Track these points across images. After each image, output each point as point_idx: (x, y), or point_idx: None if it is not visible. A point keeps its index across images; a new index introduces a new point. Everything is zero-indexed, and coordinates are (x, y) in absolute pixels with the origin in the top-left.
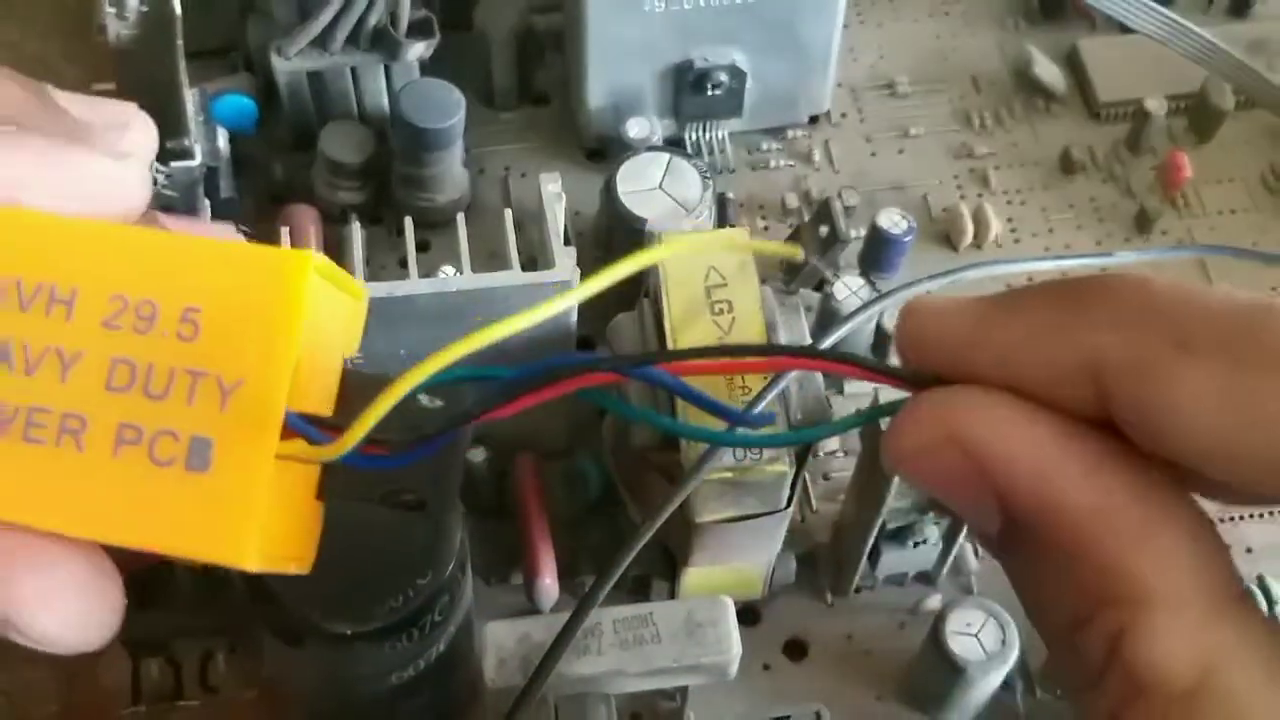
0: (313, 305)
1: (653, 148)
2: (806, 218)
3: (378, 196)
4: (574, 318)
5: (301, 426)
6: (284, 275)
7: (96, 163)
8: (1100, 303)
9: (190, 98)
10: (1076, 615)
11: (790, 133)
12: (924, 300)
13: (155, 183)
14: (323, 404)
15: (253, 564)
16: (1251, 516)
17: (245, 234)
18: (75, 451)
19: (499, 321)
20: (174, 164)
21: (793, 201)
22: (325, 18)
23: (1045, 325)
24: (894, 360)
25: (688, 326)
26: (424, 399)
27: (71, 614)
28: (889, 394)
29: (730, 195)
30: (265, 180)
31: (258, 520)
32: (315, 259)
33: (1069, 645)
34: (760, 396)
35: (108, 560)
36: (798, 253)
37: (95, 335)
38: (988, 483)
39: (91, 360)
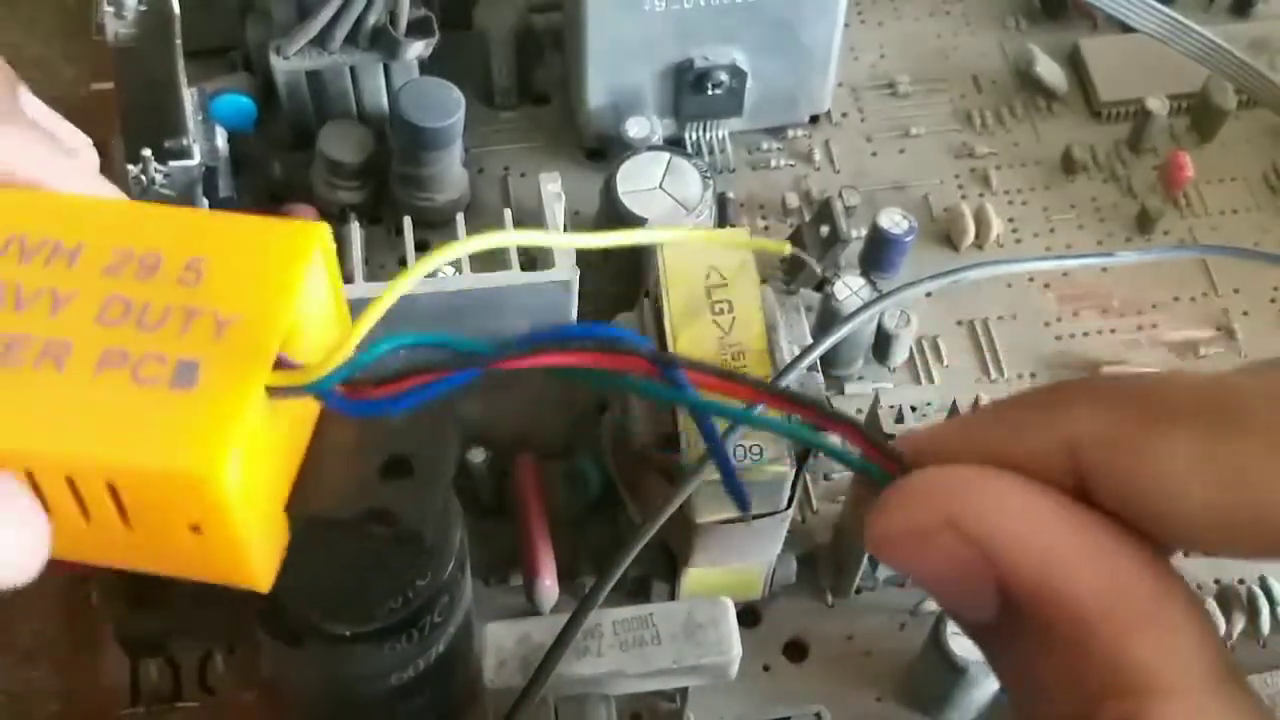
0: (314, 273)
1: (653, 147)
2: (807, 217)
3: (377, 196)
4: (574, 316)
5: (291, 363)
6: (292, 240)
7: (85, 184)
8: (1077, 393)
9: (189, 97)
10: (1079, 708)
11: (791, 132)
12: (913, 436)
13: (154, 182)
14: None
15: (220, 481)
16: None
17: None
18: (54, 372)
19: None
20: (172, 163)
21: (793, 201)
22: (324, 17)
23: (1025, 420)
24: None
25: (688, 326)
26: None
27: (12, 543)
28: (891, 395)
29: (730, 195)
30: (264, 180)
31: (237, 434)
32: (325, 233)
33: None
34: None
35: (30, 496)
36: (784, 248)
37: (93, 279)
38: (988, 569)
39: (85, 298)
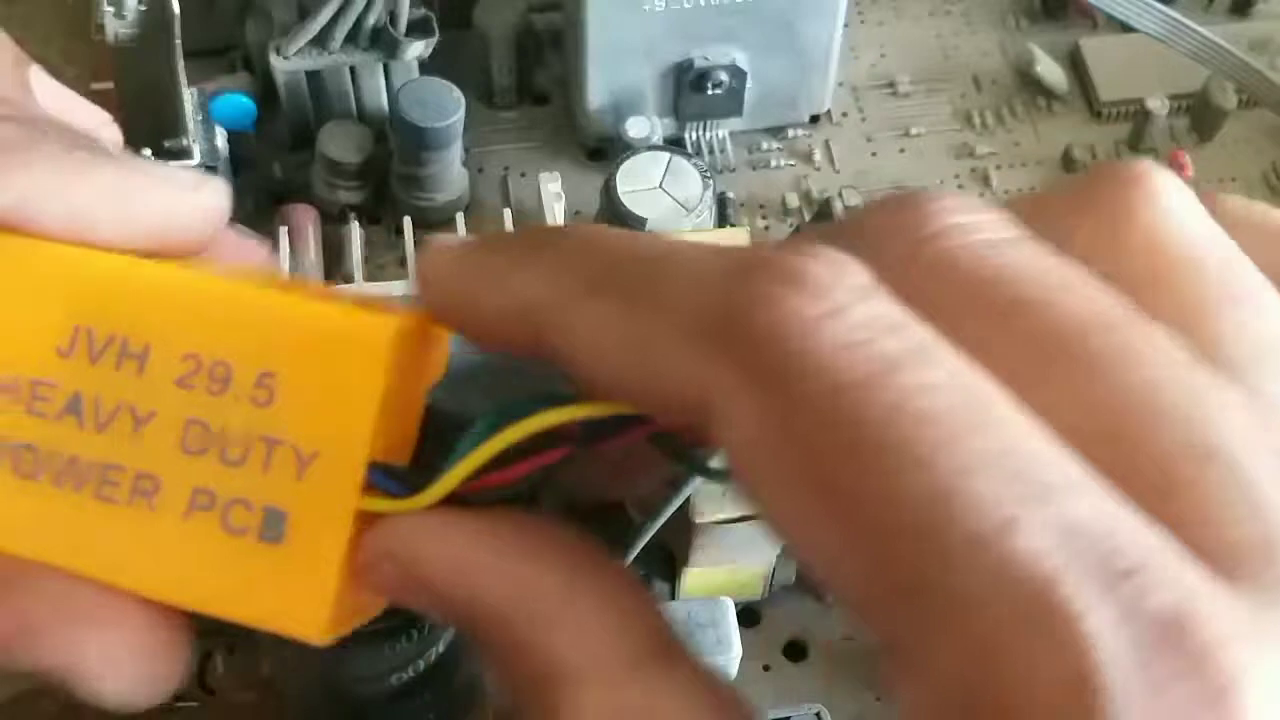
0: (394, 368)
1: (653, 147)
2: (807, 217)
3: (377, 196)
4: None
5: (382, 482)
6: (360, 348)
7: (175, 195)
8: (541, 248)
9: (189, 97)
10: (521, 698)
11: (791, 132)
12: (436, 237)
13: None
14: (403, 448)
15: (322, 640)
16: None
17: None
18: (148, 512)
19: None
20: (172, 163)
21: (793, 201)
22: (324, 17)
23: (503, 267)
24: None
25: None
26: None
27: (133, 675)
28: None
29: (730, 195)
30: (264, 180)
31: (331, 598)
32: (399, 325)
33: None
34: None
35: (177, 618)
36: None
37: (168, 394)
38: (431, 594)
39: (165, 419)
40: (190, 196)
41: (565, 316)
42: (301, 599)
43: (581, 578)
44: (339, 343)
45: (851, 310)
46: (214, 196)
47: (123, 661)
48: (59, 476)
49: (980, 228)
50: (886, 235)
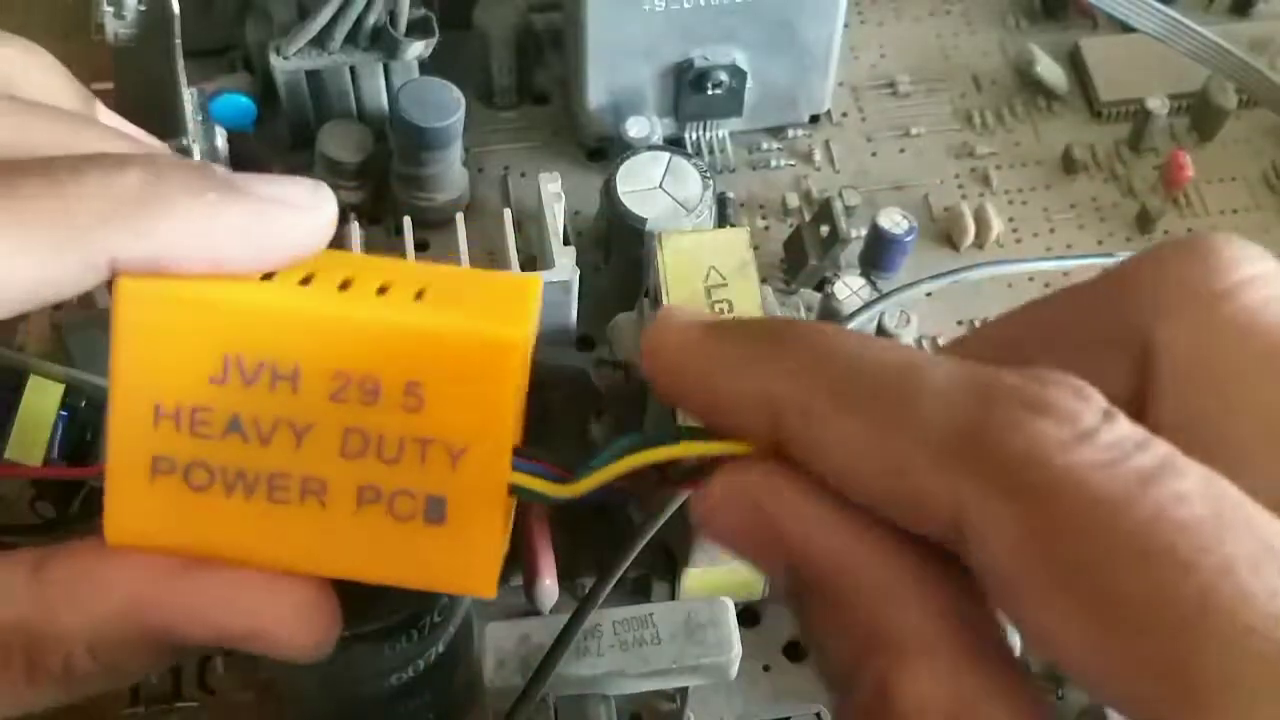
0: (523, 368)
1: (653, 147)
2: (807, 217)
3: (376, 196)
4: (574, 316)
5: (530, 469)
6: (495, 354)
7: (289, 221)
8: (780, 347)
9: (188, 97)
10: (848, 661)
11: (791, 132)
12: (668, 310)
13: None
14: (519, 432)
15: (493, 593)
16: None
17: None
18: (320, 509)
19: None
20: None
21: (793, 201)
22: (324, 17)
23: (743, 357)
24: None
25: None
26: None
27: (311, 624)
28: None
29: (730, 195)
30: None
31: (498, 556)
32: (525, 331)
33: (846, 689)
34: None
35: (327, 587)
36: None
37: (324, 408)
38: (776, 538)
39: (323, 430)
40: (309, 218)
41: (811, 423)
42: (470, 562)
43: (934, 563)
44: (477, 351)
45: (1100, 433)
46: (329, 207)
47: (304, 614)
48: (230, 487)
49: (1272, 279)
50: (1177, 289)
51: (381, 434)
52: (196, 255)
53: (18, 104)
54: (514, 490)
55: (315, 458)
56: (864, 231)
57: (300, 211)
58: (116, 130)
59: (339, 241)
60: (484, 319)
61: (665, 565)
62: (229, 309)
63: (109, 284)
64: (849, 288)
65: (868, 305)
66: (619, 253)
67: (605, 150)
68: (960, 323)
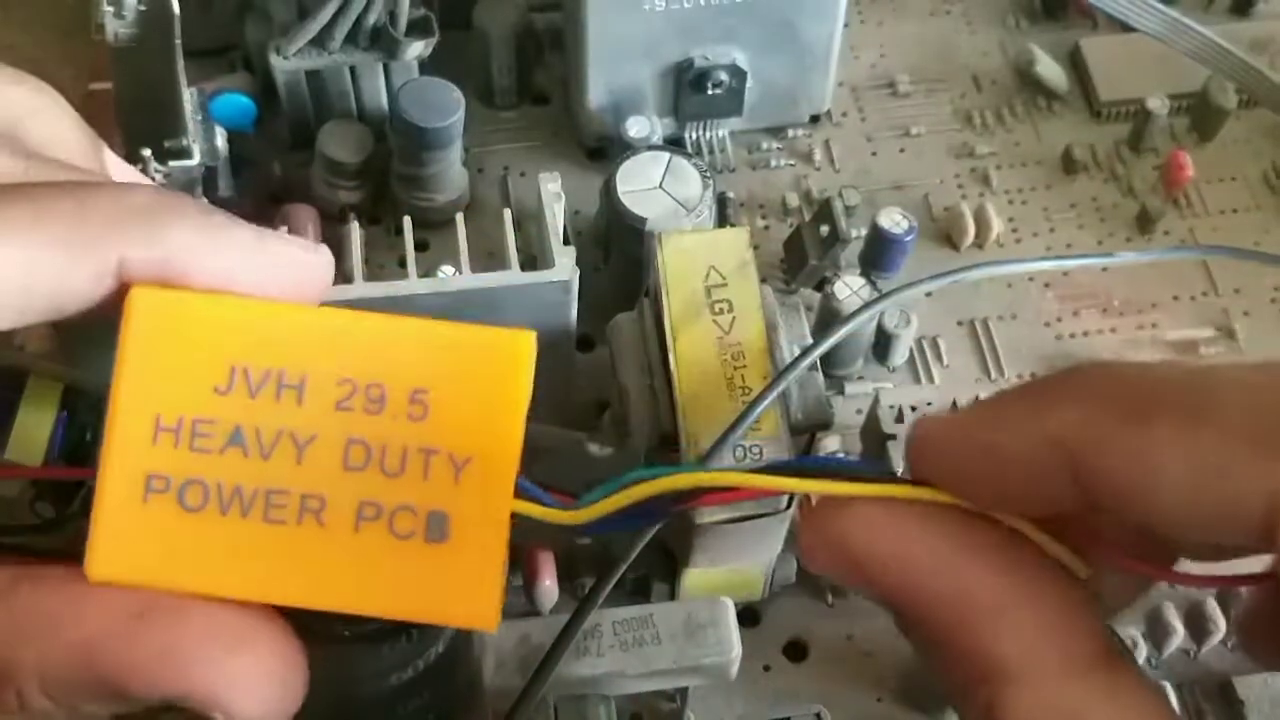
0: (528, 386)
1: (653, 147)
2: (807, 217)
3: (376, 196)
4: (574, 316)
5: (533, 492)
6: (508, 358)
7: (296, 253)
8: (1063, 388)
9: (188, 97)
10: (959, 690)
11: (791, 132)
12: (927, 419)
13: (154, 182)
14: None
15: (494, 627)
16: None
17: None
18: (317, 528)
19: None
20: (172, 163)
21: (793, 201)
22: (324, 16)
23: (1018, 419)
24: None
25: (688, 326)
26: (594, 447)
27: (275, 697)
28: (891, 395)
29: (730, 194)
30: (264, 180)
31: (500, 588)
32: (530, 342)
33: (962, 709)
34: (761, 397)
35: (295, 639)
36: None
37: (328, 418)
38: (863, 577)
39: (326, 441)
40: (313, 256)
41: (1111, 448)
42: (470, 590)
43: (1023, 578)
44: (486, 354)
45: None
46: (327, 254)
47: (260, 683)
48: (226, 505)
49: None
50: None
51: (385, 444)
52: (206, 266)
53: (18, 157)
54: (515, 516)
55: (316, 472)
56: (864, 231)
57: (301, 248)
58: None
59: (339, 241)
60: (489, 327)
61: (665, 565)
62: (241, 312)
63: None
64: (849, 288)
65: (868, 305)
66: (619, 253)
67: (605, 150)
68: (960, 323)
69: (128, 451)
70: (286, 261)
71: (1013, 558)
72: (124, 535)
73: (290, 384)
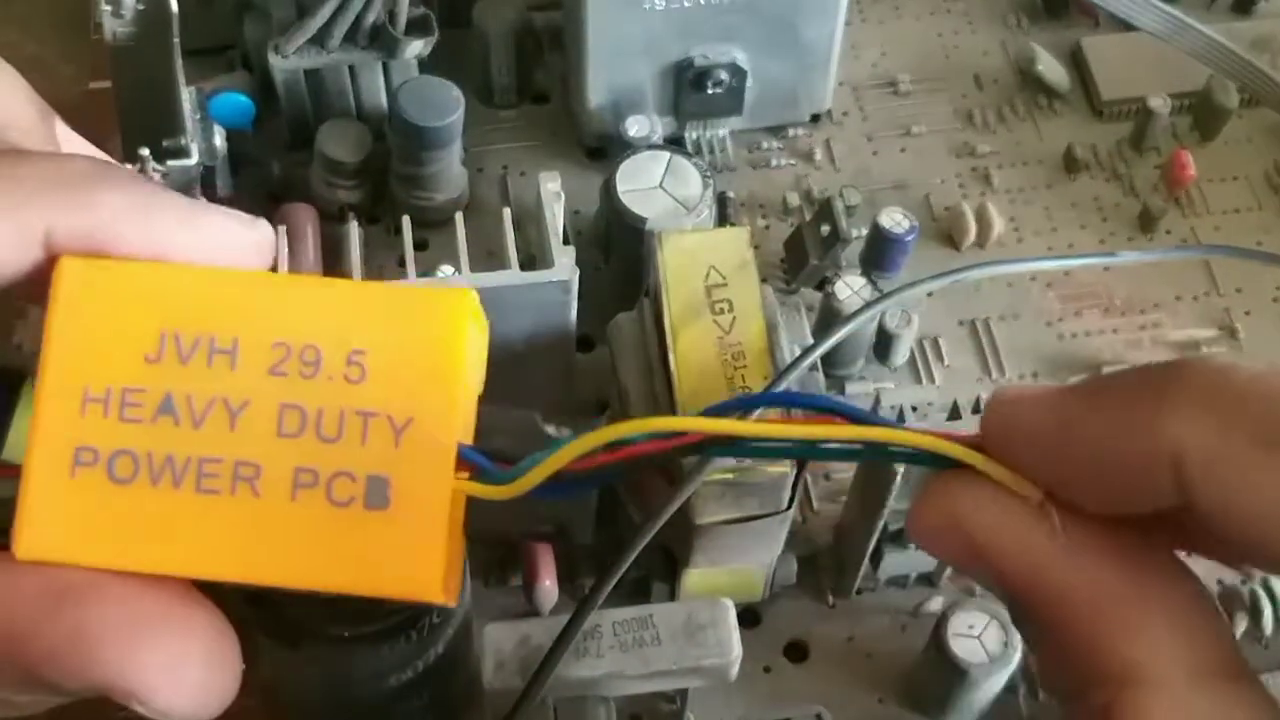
0: (473, 330)
1: (653, 146)
2: (808, 217)
3: (375, 195)
4: (573, 316)
5: (476, 459)
6: (446, 315)
7: (231, 225)
8: (1180, 391)
9: (187, 96)
10: (1072, 687)
11: (791, 131)
12: (1009, 393)
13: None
14: (469, 435)
15: (440, 597)
16: None
17: None
18: (252, 498)
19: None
20: (171, 163)
21: (794, 200)
22: (323, 15)
23: (1126, 419)
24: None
25: (688, 326)
26: (550, 428)
27: (194, 686)
28: (892, 395)
29: (731, 194)
30: (262, 179)
31: (444, 554)
32: (471, 298)
33: (1071, 710)
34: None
35: (229, 625)
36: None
37: (262, 383)
38: (986, 566)
39: (260, 408)
40: (248, 229)
41: (1231, 472)
42: (413, 559)
43: (1157, 578)
44: (422, 311)
45: None
46: (266, 229)
47: (188, 672)
48: (156, 476)
49: None
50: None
51: (321, 409)
52: (136, 236)
53: None
54: (468, 500)
55: (250, 439)
56: (865, 231)
57: (236, 220)
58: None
59: (338, 241)
60: (429, 286)
61: (665, 566)
62: (171, 278)
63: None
64: (850, 287)
65: (868, 305)
66: (619, 252)
67: (605, 149)
68: (961, 323)
69: (55, 425)
70: (220, 234)
71: (1146, 556)
72: (52, 512)
73: (222, 349)
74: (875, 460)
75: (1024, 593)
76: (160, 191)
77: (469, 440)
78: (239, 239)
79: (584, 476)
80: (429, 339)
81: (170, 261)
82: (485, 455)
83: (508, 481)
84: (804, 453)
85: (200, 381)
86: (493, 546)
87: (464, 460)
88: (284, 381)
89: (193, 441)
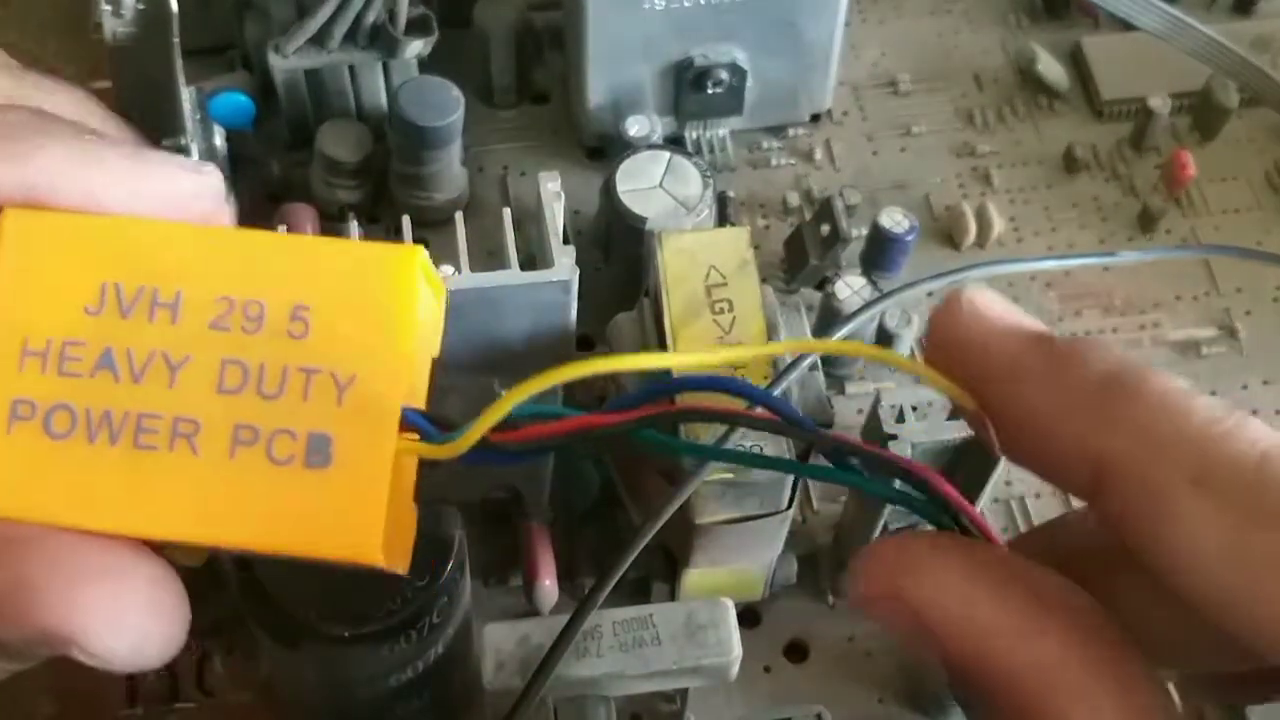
0: (421, 288)
1: (653, 146)
2: (807, 216)
3: (375, 195)
4: (573, 316)
5: (418, 421)
6: (396, 269)
7: (180, 173)
8: (1134, 402)
9: (187, 96)
10: None
11: (791, 131)
12: (981, 298)
13: None
14: (418, 398)
15: (381, 560)
16: None
17: None
18: (190, 455)
19: (608, 357)
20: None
21: (794, 200)
22: (323, 15)
23: (1076, 401)
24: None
25: (688, 326)
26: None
27: (135, 632)
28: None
29: (731, 194)
30: (262, 179)
31: (384, 514)
32: (421, 255)
33: None
34: None
35: (174, 572)
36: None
37: (203, 338)
38: (927, 638)
39: (200, 363)
40: (193, 176)
41: (1158, 501)
42: (353, 518)
43: (1108, 655)
44: (372, 266)
45: None
46: (214, 177)
47: (128, 617)
48: (94, 432)
49: None
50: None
51: (263, 364)
52: (77, 187)
53: None
54: (403, 451)
55: (189, 395)
56: (865, 231)
57: (180, 167)
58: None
59: None
60: (379, 242)
61: (665, 565)
62: (114, 230)
63: None
64: (850, 287)
65: (868, 305)
66: (619, 252)
67: (605, 149)
68: None
69: None
70: (164, 184)
71: (1095, 626)
72: None
73: (164, 303)
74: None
75: (972, 671)
76: (101, 144)
77: (419, 403)
78: (184, 188)
79: (527, 446)
80: (377, 295)
81: (113, 213)
82: (428, 418)
83: (449, 443)
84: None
85: (141, 335)
86: (492, 546)
87: (407, 422)
88: (226, 336)
89: (132, 397)
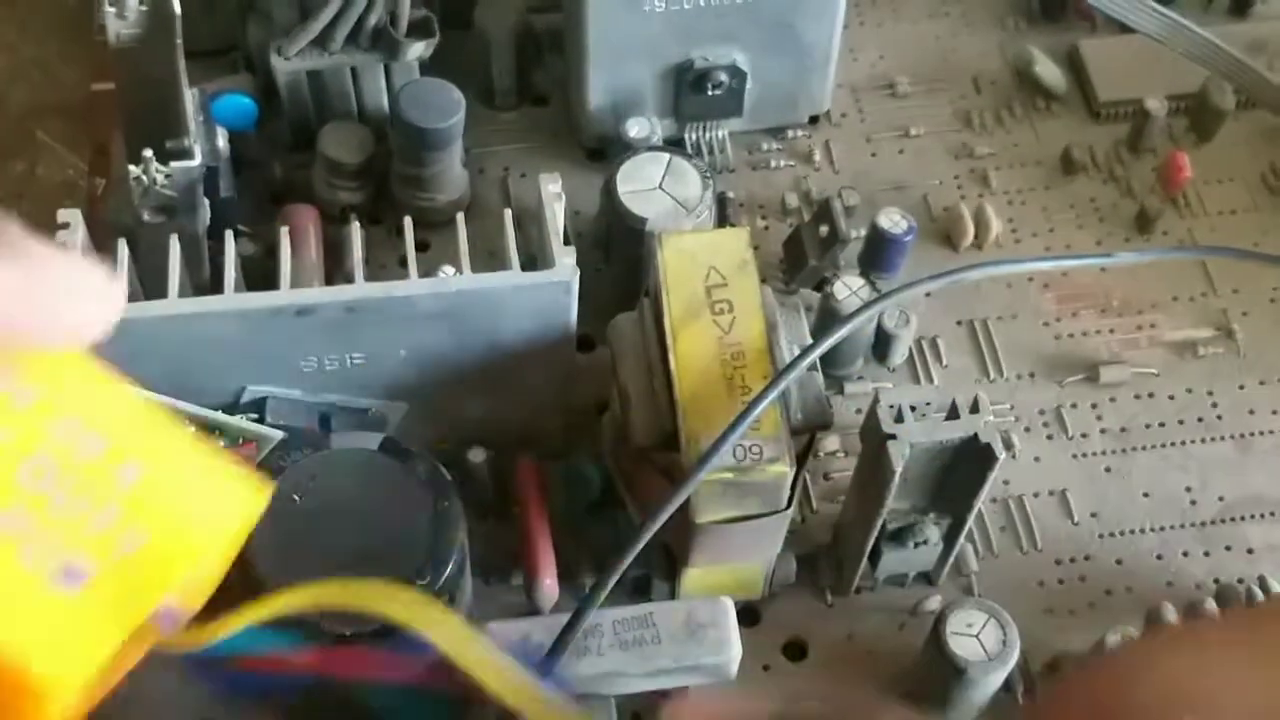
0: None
1: (653, 147)
2: (806, 217)
3: (377, 196)
4: (574, 317)
5: (164, 620)
6: (244, 504)
7: (78, 310)
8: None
9: (190, 97)
10: None
11: (790, 133)
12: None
13: (155, 183)
14: (190, 601)
15: (49, 690)
16: (1252, 517)
17: (245, 234)
18: None
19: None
20: (173, 164)
21: (793, 201)
22: (325, 17)
23: None
24: None
25: (688, 326)
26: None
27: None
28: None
29: (730, 195)
30: (265, 180)
31: (92, 670)
32: (263, 499)
33: None
34: (761, 397)
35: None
36: None
37: (34, 427)
38: None
39: (18, 443)
40: (96, 308)
41: None
42: (65, 658)
43: None
44: (219, 478)
45: None
46: (117, 304)
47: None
48: None
49: None
50: None
51: (74, 478)
52: None
53: None
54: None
55: None
56: (863, 232)
57: (84, 299)
58: None
59: (340, 242)
60: (235, 466)
61: (665, 565)
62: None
63: None
64: (848, 288)
65: (867, 305)
66: (619, 253)
67: (605, 150)
68: (959, 323)
69: None
70: (60, 322)
71: None
72: None
73: (21, 391)
74: None
75: None
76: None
77: (186, 601)
78: (83, 328)
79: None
80: (209, 501)
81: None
82: (173, 616)
83: (180, 645)
84: None
85: None
86: (493, 545)
87: (160, 613)
88: (53, 439)
89: None
